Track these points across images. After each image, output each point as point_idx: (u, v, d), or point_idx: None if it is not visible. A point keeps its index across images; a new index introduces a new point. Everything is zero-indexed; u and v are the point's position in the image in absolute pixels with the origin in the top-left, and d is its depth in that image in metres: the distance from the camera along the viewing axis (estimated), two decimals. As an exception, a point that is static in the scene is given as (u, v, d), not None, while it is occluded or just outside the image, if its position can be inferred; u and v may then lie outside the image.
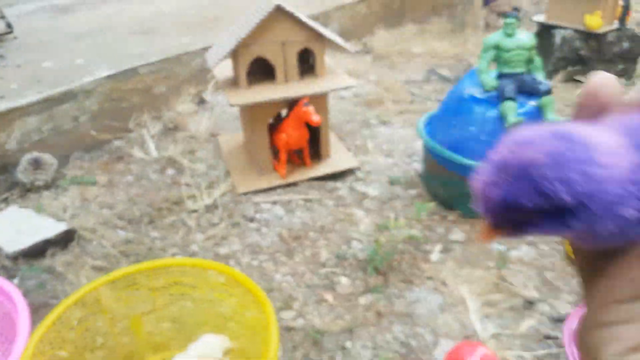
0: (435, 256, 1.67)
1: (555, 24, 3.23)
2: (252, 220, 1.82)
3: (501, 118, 1.62)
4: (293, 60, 1.84)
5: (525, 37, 1.65)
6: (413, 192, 2.02)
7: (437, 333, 1.37)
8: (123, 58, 2.38)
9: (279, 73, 1.85)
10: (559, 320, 1.42)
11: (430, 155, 1.88)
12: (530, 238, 1.76)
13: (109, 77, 2.20)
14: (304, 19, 1.76)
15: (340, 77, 1.94)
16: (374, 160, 2.27)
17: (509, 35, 1.64)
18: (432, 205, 1.68)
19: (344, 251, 1.67)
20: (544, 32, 3.37)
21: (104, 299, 1.22)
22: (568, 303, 1.49)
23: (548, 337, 1.37)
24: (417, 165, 2.22)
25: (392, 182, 2.08)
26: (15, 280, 1.48)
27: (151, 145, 2.23)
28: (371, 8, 4.03)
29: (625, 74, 3.22)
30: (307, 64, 1.95)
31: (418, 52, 3.73)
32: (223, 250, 1.67)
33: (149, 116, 2.39)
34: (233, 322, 1.28)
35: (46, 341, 1.04)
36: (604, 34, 3.12)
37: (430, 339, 1.35)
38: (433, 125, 1.91)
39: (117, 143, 2.29)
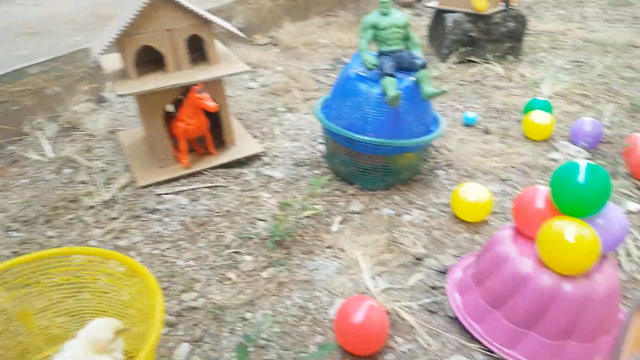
0: (335, 227, 1.75)
1: (446, 8, 3.44)
2: (153, 211, 1.82)
3: (384, 94, 1.73)
4: (182, 48, 1.85)
5: (399, 15, 1.76)
6: (318, 172, 2.10)
7: (333, 294, 1.45)
8: (10, 59, 2.28)
9: (169, 61, 1.85)
10: (443, 272, 1.55)
11: (328, 134, 1.96)
12: (420, 202, 1.89)
13: (-6, 78, 2.10)
14: (189, 5, 1.77)
15: (234, 63, 1.98)
16: (281, 145, 2.33)
17: (384, 14, 1.74)
18: (326, 179, 1.76)
19: (248, 232, 1.72)
20: (437, 16, 3.58)
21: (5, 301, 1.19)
22: (453, 256, 1.62)
23: (434, 288, 1.49)
24: (322, 147, 2.30)
25: (298, 164, 2.15)
26: None
27: (47, 147, 2.16)
28: (276, 2, 4.09)
29: (512, 52, 3.49)
30: (200, 52, 1.97)
31: (324, 43, 3.84)
32: (123, 243, 1.66)
33: (44, 117, 2.31)
34: (132, 309, 1.29)
35: None
36: (491, 15, 3.36)
37: (326, 299, 1.43)
38: (328, 106, 1.99)
39: (11, 147, 2.19)
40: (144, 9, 1.66)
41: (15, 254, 1.57)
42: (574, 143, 2.33)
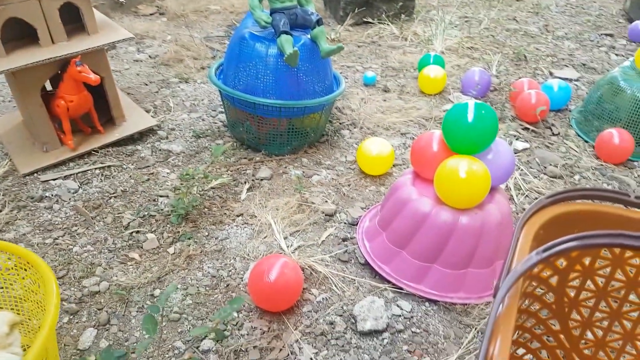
0: (244, 195, 1.70)
1: (337, -30, 3.43)
2: (41, 199, 1.66)
3: (281, 53, 1.68)
4: (55, 18, 1.67)
5: (288, -30, 1.71)
6: (220, 142, 2.03)
7: (247, 259, 1.42)
8: None
9: (42, 33, 1.67)
10: (353, 224, 1.57)
11: (227, 101, 1.89)
12: (328, 163, 1.90)
13: None
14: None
15: (115, 31, 1.82)
16: (177, 117, 2.21)
17: (274, -30, 1.69)
18: (227, 146, 1.70)
19: (148, 210, 1.62)
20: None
21: None
22: (361, 209, 1.65)
23: (344, 240, 1.51)
24: (223, 117, 2.22)
25: (198, 135, 2.06)
26: None
27: None
28: (161, -32, 3.83)
29: (405, 11, 3.57)
30: (77, 23, 1.79)
31: (215, 9, 3.68)
32: (9, 236, 1.50)
33: None
34: (28, 302, 1.18)
35: None
36: (381, -24, 3.41)
37: (240, 265, 1.40)
38: (224, 71, 1.91)
39: None
40: (-1, -29, 1.46)
41: None
42: (465, 93, 2.45)
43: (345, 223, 1.58)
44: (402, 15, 3.54)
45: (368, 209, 1.64)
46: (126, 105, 2.10)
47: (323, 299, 1.29)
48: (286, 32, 1.66)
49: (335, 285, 1.33)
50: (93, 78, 1.69)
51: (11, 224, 1.55)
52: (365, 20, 3.46)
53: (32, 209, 1.61)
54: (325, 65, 1.86)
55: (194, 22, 3.40)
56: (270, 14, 1.74)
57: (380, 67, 2.84)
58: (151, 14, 3.49)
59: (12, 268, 1.17)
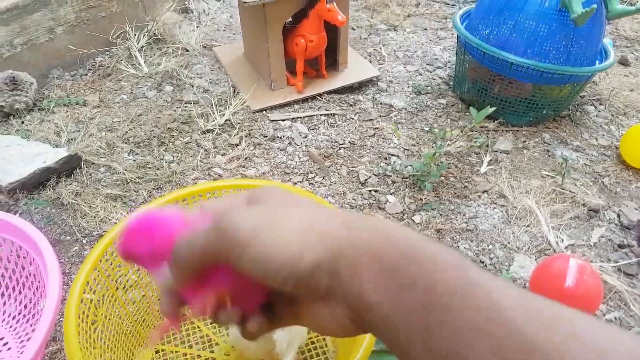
0: (484, 168, 1.53)
1: None
2: (274, 139, 1.62)
3: (561, 9, 1.43)
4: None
5: None
6: (443, 101, 1.85)
7: (508, 248, 1.26)
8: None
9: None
10: (628, 227, 1.33)
11: (470, 55, 1.68)
12: (576, 144, 1.64)
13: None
14: None
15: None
16: (393, 69, 2.06)
17: None
18: (491, 110, 1.49)
19: (383, 168, 1.51)
20: None
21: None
22: (635, 209, 1.39)
23: (621, 246, 1.28)
24: (442, 72, 2.03)
25: (418, 91, 1.89)
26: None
27: (141, 60, 1.94)
28: None
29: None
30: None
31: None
32: (250, 173, 1.47)
33: (131, 27, 2.07)
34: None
35: (86, 282, 0.85)
36: None
37: (502, 254, 1.24)
38: (471, 21, 1.70)
39: (100, 58, 1.99)
40: None
41: (139, 178, 1.40)
42: None
43: (617, 224, 1.34)
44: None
45: (643, 210, 1.38)
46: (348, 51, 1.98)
47: (614, 318, 1.09)
48: (576, -14, 1.39)
49: (631, 304, 1.12)
50: (340, 18, 1.58)
51: (250, 160, 1.53)
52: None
53: (267, 147, 1.58)
54: (602, 30, 1.56)
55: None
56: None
57: (610, 35, 2.43)
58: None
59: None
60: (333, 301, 0.28)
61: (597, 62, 1.63)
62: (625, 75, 2.09)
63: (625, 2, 2.74)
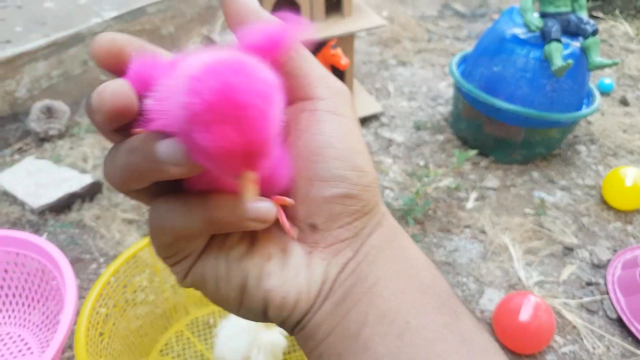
0: (470, 204, 1.64)
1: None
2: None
3: (544, 60, 1.54)
4: (320, 0, 1.72)
5: (571, -29, 1.54)
6: (441, 137, 1.97)
7: (480, 282, 1.36)
8: (129, -4, 2.22)
9: (304, 12, 1.73)
10: (598, 266, 1.42)
11: (463, 97, 1.80)
12: (563, 183, 1.73)
13: (116, 18, 2.06)
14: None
15: (368, 15, 1.83)
16: (397, 104, 2.19)
17: (555, -30, 1.52)
18: (473, 153, 1.62)
19: (376, 200, 1.63)
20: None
21: (146, 254, 1.18)
22: (607, 249, 1.48)
23: (589, 284, 1.37)
24: (443, 109, 2.15)
25: (418, 127, 2.02)
26: (44, 236, 1.43)
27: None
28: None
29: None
30: (331, 0, 1.82)
31: (430, -15, 3.55)
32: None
33: (159, 59, 2.27)
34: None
35: (97, 299, 1.01)
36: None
37: (474, 287, 1.35)
38: (467, 66, 1.82)
39: (127, 88, 2.18)
40: (291, -47, 1.52)
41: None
42: None
43: (588, 263, 1.43)
44: (642, 14, 3.06)
45: (615, 250, 1.46)
46: (354, 87, 2.13)
47: (569, 351, 1.19)
48: (557, 40, 1.51)
49: (585, 338, 1.21)
50: (343, 63, 1.72)
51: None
52: (593, 14, 3.06)
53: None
54: (586, 77, 1.67)
55: (409, -2, 3.32)
56: (541, 17, 1.59)
57: (614, 72, 2.51)
58: (368, -15, 3.48)
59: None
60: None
61: (585, 105, 1.73)
62: (624, 115, 2.17)
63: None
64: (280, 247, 0.29)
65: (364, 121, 2.03)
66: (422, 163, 1.82)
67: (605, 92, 2.32)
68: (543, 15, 1.59)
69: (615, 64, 1.53)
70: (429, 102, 2.21)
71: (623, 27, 2.96)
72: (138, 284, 1.17)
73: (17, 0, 2.18)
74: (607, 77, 2.38)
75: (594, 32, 1.52)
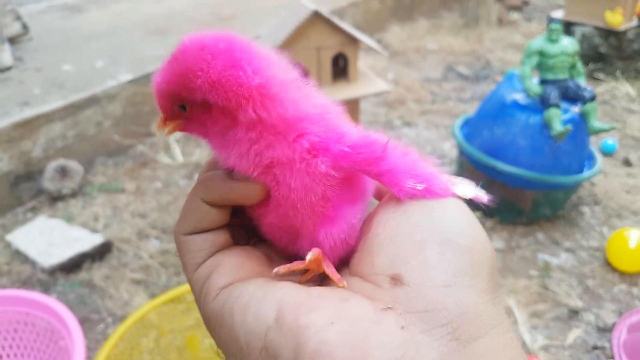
0: (475, 265, 1.64)
1: (574, 20, 3.19)
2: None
3: (544, 125, 1.60)
4: (327, 65, 1.81)
5: (568, 43, 1.62)
6: (444, 196, 2.00)
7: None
8: (142, 60, 2.34)
9: (313, 77, 1.81)
10: (604, 329, 1.41)
11: (467, 160, 1.85)
12: (567, 244, 1.74)
13: (131, 81, 2.16)
14: (340, 23, 1.72)
15: (373, 81, 1.91)
16: (401, 163, 2.24)
17: (553, 41, 1.60)
18: (478, 214, 1.65)
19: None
20: (564, 28, 3.33)
21: (155, 316, 1.20)
22: (612, 312, 1.47)
23: (596, 348, 1.35)
24: (447, 169, 2.19)
25: (422, 186, 2.05)
26: (54, 295, 1.45)
27: (177, 150, 2.20)
28: (384, 3, 3.99)
29: (644, 71, 3.19)
30: (337, 66, 1.91)
31: (433, 48, 3.69)
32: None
33: (172, 119, 2.36)
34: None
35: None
36: (624, 31, 3.08)
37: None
38: (469, 129, 1.88)
39: (140, 148, 2.26)
40: (299, 27, 1.62)
41: (160, 264, 1.59)
42: None
43: (593, 326, 1.42)
44: (641, 75, 3.16)
45: (620, 312, 1.45)
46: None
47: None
48: (556, 106, 1.57)
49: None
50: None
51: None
52: (595, 76, 3.16)
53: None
54: (585, 141, 1.71)
55: (413, 61, 3.45)
56: (540, 83, 1.66)
57: (617, 133, 2.56)
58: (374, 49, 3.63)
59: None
60: None
61: (586, 168, 1.77)
62: (627, 175, 2.20)
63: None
64: (338, 295, 0.24)
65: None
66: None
67: (608, 153, 2.36)
68: (542, 82, 1.65)
69: (614, 128, 1.58)
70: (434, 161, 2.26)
71: (624, 88, 3.05)
72: (145, 345, 1.18)
73: (36, 62, 2.30)
74: (610, 138, 2.43)
75: (592, 98, 1.58)
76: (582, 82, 1.65)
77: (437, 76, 3.24)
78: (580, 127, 1.63)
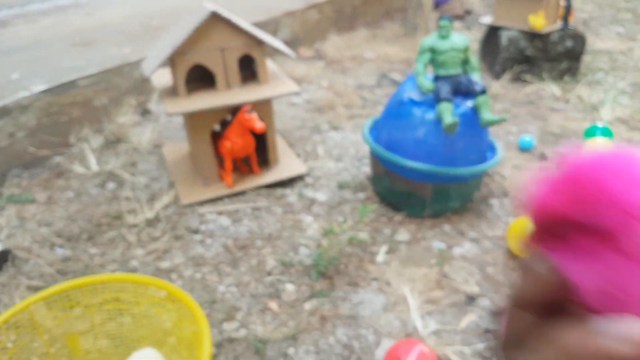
0: (381, 257, 1.67)
1: (501, 25, 3.31)
2: (196, 232, 1.79)
3: (439, 119, 1.65)
4: (234, 67, 1.83)
5: (458, 39, 1.68)
6: (362, 195, 2.03)
7: (379, 333, 1.37)
8: (61, 71, 2.32)
9: (220, 80, 1.83)
10: (499, 313, 1.44)
11: (375, 158, 1.89)
12: (473, 235, 1.79)
13: (45, 91, 2.13)
14: (243, 24, 1.75)
15: (284, 83, 1.94)
16: (324, 165, 2.27)
17: (444, 38, 1.67)
18: (374, 207, 1.69)
19: (290, 258, 1.66)
20: (491, 33, 3.46)
21: (38, 317, 1.17)
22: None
23: (488, 331, 1.39)
24: (367, 169, 2.23)
25: (341, 186, 2.09)
26: (-58, 306, 1.41)
27: (92, 160, 2.17)
28: (323, 13, 4.06)
29: (569, 72, 3.33)
30: (249, 70, 1.94)
31: (370, 57, 3.78)
32: (165, 264, 1.63)
33: (90, 129, 2.33)
34: (173, 337, 1.25)
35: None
36: (548, 34, 3.22)
37: (372, 339, 1.36)
38: (377, 128, 1.92)
39: (57, 159, 2.22)
40: (197, 28, 1.63)
41: (59, 271, 1.56)
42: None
43: (488, 311, 1.46)
44: (566, 77, 3.30)
45: (516, 298, 1.50)
46: (280, 149, 2.21)
47: (459, 397, 1.19)
48: (447, 100, 1.62)
49: (475, 386, 1.22)
50: (258, 126, 1.80)
51: (167, 252, 1.69)
52: (522, 78, 3.29)
53: (187, 240, 1.75)
54: (482, 133, 1.77)
55: (348, 69, 3.51)
56: (434, 80, 1.71)
57: (538, 130, 2.66)
58: (310, 57, 3.68)
59: (162, 300, 1.26)
60: None
61: (489, 160, 1.82)
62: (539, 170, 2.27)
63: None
64: None
65: (289, 182, 2.09)
66: (341, 220, 1.87)
67: (526, 149, 2.45)
68: (436, 78, 1.71)
69: (504, 119, 1.64)
70: (355, 162, 2.30)
71: (549, 88, 3.17)
72: (28, 347, 1.15)
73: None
74: (528, 135, 2.52)
75: (483, 91, 1.64)
76: (476, 77, 1.72)
77: (371, 83, 3.31)
78: (474, 120, 1.69)
